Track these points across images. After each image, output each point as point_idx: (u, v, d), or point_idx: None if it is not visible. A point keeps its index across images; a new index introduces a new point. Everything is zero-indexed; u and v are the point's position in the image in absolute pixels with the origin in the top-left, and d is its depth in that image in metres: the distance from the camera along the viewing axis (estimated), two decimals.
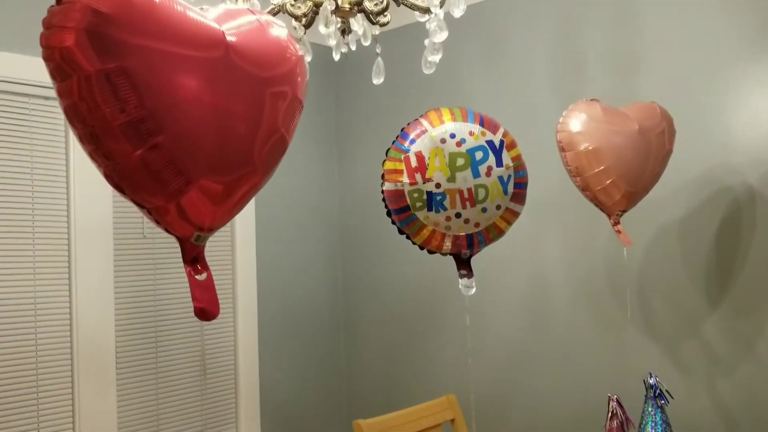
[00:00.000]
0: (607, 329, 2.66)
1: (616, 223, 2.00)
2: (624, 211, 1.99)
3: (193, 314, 1.17)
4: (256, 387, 3.28)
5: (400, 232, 1.70)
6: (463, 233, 1.63)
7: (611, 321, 2.66)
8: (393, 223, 1.69)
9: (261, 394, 3.30)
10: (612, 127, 1.99)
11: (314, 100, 3.51)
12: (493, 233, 1.65)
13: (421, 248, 1.72)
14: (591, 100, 2.11)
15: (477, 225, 1.62)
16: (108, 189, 2.68)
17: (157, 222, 1.15)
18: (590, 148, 1.94)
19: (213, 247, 3.09)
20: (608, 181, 1.93)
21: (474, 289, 1.67)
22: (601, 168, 1.92)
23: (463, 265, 1.69)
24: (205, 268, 1.20)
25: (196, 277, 1.16)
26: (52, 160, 2.56)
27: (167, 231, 1.17)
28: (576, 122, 2.00)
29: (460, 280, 1.69)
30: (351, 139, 3.53)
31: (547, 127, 2.64)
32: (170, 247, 2.92)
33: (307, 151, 3.52)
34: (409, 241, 1.70)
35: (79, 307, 2.62)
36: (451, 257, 1.74)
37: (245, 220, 3.21)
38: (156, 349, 2.90)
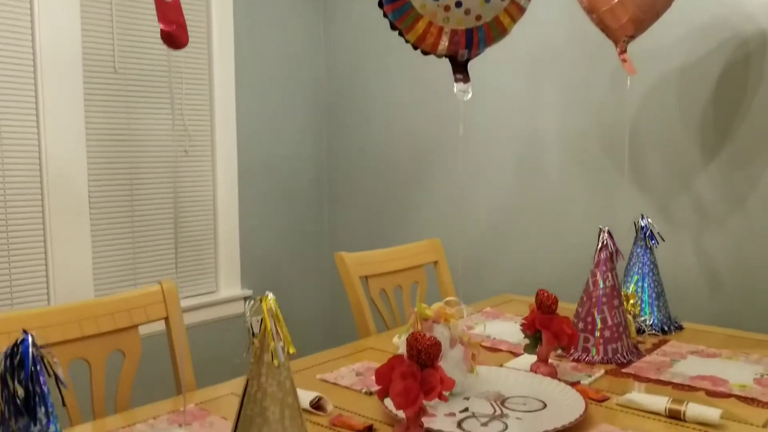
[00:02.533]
0: (599, 187, 2.55)
1: (623, 51, 1.85)
2: (631, 38, 1.84)
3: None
4: (235, 240, 3.16)
5: (392, 27, 1.53)
6: (462, 27, 1.47)
7: (603, 179, 2.55)
8: (385, 16, 1.52)
9: (241, 248, 3.19)
10: None
11: None
12: (495, 31, 1.48)
13: (415, 48, 1.56)
14: None
15: (478, 18, 1.45)
16: (77, 19, 2.47)
17: None
18: None
19: (190, 93, 2.91)
20: (615, 0, 1.78)
21: (470, 95, 1.52)
22: None
23: (460, 69, 1.54)
24: None
25: None
26: None
27: None
28: None
29: (455, 84, 1.54)
30: None
31: None
32: (144, 83, 2.73)
33: (292, 3, 3.31)
34: (402, 38, 1.54)
35: (49, 147, 2.45)
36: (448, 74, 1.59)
37: (223, 72, 3.02)
38: (131, 195, 2.75)
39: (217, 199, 3.05)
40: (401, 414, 1.20)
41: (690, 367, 1.54)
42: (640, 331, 1.82)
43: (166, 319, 1.50)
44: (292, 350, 0.92)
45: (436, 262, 2.20)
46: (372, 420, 1.26)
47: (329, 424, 1.25)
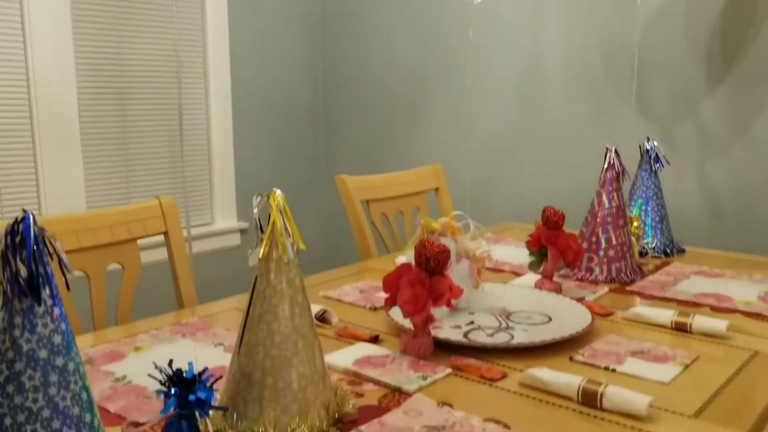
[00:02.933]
0: (603, 113, 2.51)
1: None
2: None
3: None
4: (230, 170, 3.11)
5: None
6: None
7: (607, 104, 2.50)
8: None
9: (236, 178, 3.14)
10: None
11: None
12: None
13: None
14: None
15: None
16: None
17: None
18: None
19: (181, 13, 2.82)
20: None
21: None
22: None
23: None
24: None
25: None
26: None
27: None
28: None
29: None
30: None
31: None
32: (134, 2, 2.63)
33: None
34: None
35: (36, 69, 2.37)
36: None
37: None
38: (123, 116, 2.69)
39: (210, 128, 2.99)
40: (408, 324, 1.18)
41: (694, 286, 1.54)
42: (642, 254, 1.81)
43: (166, 233, 1.47)
44: (302, 246, 0.90)
45: (437, 189, 2.17)
46: (378, 331, 1.25)
47: (335, 335, 1.24)
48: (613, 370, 1.07)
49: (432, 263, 1.10)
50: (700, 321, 1.24)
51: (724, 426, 0.88)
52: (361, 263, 1.79)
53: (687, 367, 1.08)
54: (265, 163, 3.21)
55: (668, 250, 1.83)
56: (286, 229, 0.88)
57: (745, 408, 0.94)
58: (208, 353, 1.13)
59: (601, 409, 0.93)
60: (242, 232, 3.21)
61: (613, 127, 2.46)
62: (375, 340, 1.21)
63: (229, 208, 3.13)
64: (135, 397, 0.97)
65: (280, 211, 0.88)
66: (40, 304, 0.65)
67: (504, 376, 1.05)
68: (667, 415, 0.92)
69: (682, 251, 1.87)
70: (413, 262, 1.14)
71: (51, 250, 0.67)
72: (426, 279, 1.11)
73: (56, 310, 0.67)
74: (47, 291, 0.66)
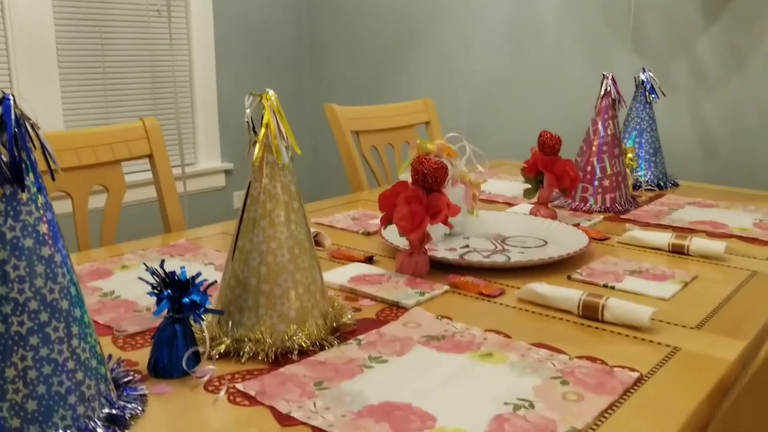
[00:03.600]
0: (597, 51, 2.46)
1: None
2: None
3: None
4: (214, 108, 3.04)
5: None
6: None
7: (601, 40, 2.45)
8: None
9: (220, 117, 3.08)
10: None
11: None
12: None
13: None
14: None
15: None
16: None
17: None
18: None
19: None
20: None
21: None
22: None
23: None
24: None
25: None
26: None
27: None
28: None
29: None
30: None
31: None
32: None
33: None
34: None
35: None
36: None
37: None
38: (102, 52, 2.60)
39: (193, 64, 2.90)
40: (403, 244, 1.16)
41: (688, 215, 1.52)
42: (636, 186, 1.79)
43: (150, 156, 1.42)
44: (298, 151, 0.86)
45: (428, 123, 2.12)
46: (372, 253, 1.22)
47: (329, 257, 1.21)
48: (612, 288, 1.05)
49: (429, 180, 1.07)
50: (698, 243, 1.23)
51: (728, 336, 0.87)
52: (352, 194, 1.76)
53: (686, 285, 1.07)
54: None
55: (661, 183, 1.82)
56: (280, 131, 0.84)
57: (747, 321, 0.93)
58: (198, 270, 1.10)
59: (602, 321, 0.92)
60: (227, 173, 3.16)
61: (609, 67, 2.42)
62: (369, 260, 1.18)
63: (213, 149, 3.07)
64: (124, 310, 0.94)
65: (274, 112, 0.83)
66: (23, 191, 0.61)
67: (502, 292, 1.03)
68: (670, 327, 0.90)
69: (675, 185, 1.85)
70: (410, 177, 1.11)
71: (33, 137, 0.63)
72: (423, 196, 1.07)
73: (41, 198, 0.63)
74: (31, 178, 0.62)
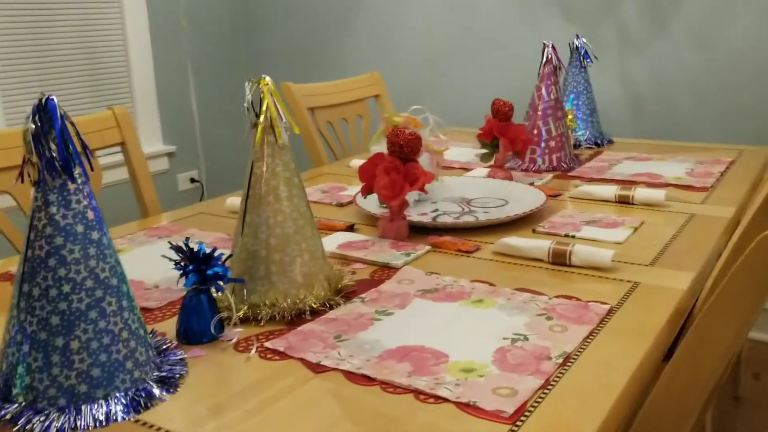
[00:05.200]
0: (531, 19, 2.59)
1: None
2: None
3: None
4: (152, 90, 3.03)
5: None
6: None
7: (534, 11, 2.58)
8: None
9: (159, 99, 3.07)
10: None
11: None
12: None
13: None
14: None
15: None
16: None
17: None
18: None
19: None
20: None
21: None
22: None
23: None
24: None
25: None
26: None
27: None
28: None
29: None
30: None
31: None
32: None
33: None
34: None
35: None
36: None
37: None
38: (35, 44, 2.56)
39: (129, 48, 2.88)
40: (379, 211, 1.25)
41: (627, 168, 1.67)
42: (576, 146, 1.94)
43: (123, 144, 1.46)
44: (296, 130, 0.94)
45: (377, 96, 2.21)
46: (352, 222, 1.31)
47: None
48: (573, 236, 1.18)
49: (405, 150, 1.17)
50: (641, 192, 1.37)
51: (678, 269, 1.01)
52: (313, 170, 1.84)
53: (636, 229, 1.21)
54: (186, 79, 3.13)
55: (599, 141, 1.97)
56: (279, 113, 0.91)
57: (693, 255, 1.07)
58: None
59: (570, 265, 1.04)
60: (170, 155, 3.16)
61: (538, 27, 2.55)
62: (351, 228, 1.28)
63: (155, 132, 3.07)
64: (135, 289, 1.01)
65: (273, 96, 0.91)
66: (73, 182, 0.68)
67: (478, 248, 1.15)
68: (627, 266, 1.04)
69: (611, 142, 2.01)
70: (385, 151, 1.20)
71: (72, 133, 0.69)
72: (401, 165, 1.17)
73: (86, 188, 0.70)
74: (78, 170, 0.68)
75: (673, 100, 2.37)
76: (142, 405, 0.69)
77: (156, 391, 0.71)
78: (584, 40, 1.98)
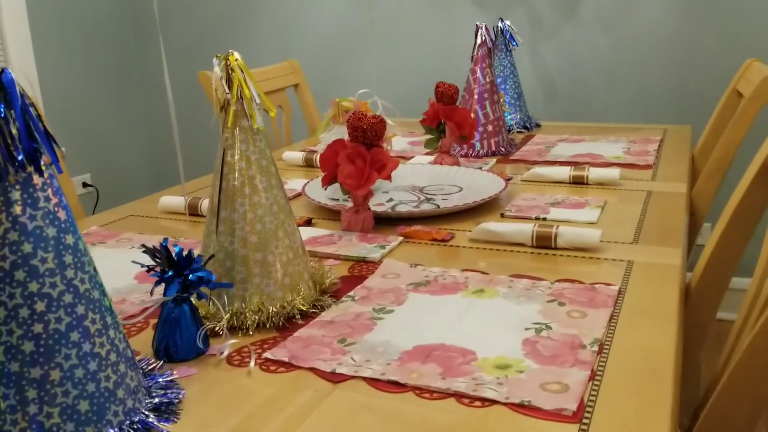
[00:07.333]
0: (441, 7, 2.57)
1: None
2: None
3: None
4: (36, 92, 2.77)
5: None
6: None
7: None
8: None
9: (44, 101, 2.81)
10: None
11: None
12: None
13: None
14: None
15: None
16: None
17: None
18: None
19: None
20: None
21: None
22: None
23: None
24: None
25: None
26: None
27: None
28: None
29: None
30: None
31: None
32: None
33: None
34: None
35: None
36: None
37: None
38: None
39: (7, 49, 2.60)
40: (333, 203, 1.17)
41: (564, 150, 1.68)
42: (507, 130, 1.92)
43: None
44: (272, 113, 0.84)
45: (296, 85, 2.11)
46: (308, 216, 1.22)
47: None
48: (544, 219, 1.15)
49: (370, 134, 1.09)
50: (595, 172, 1.37)
51: (664, 246, 1.00)
52: None
53: (602, 208, 1.20)
54: (73, 80, 2.88)
55: (527, 125, 1.97)
56: (252, 94, 0.81)
57: (669, 232, 1.07)
58: (139, 255, 1.03)
59: (555, 248, 1.01)
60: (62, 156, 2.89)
61: (447, 15, 2.53)
62: (309, 223, 1.18)
63: None
64: None
65: (244, 73, 0.81)
66: (40, 175, 0.55)
67: (453, 236, 1.09)
68: (611, 245, 1.01)
69: (538, 125, 2.02)
70: (344, 137, 1.12)
71: (36, 113, 0.56)
72: (365, 152, 1.09)
73: (54, 182, 0.57)
74: (46, 158, 0.56)
75: (583, 82, 2.43)
76: None
77: (154, 421, 0.60)
78: (508, 23, 1.98)
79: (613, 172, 1.36)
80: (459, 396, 0.63)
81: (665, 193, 1.27)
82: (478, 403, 0.62)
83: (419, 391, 0.64)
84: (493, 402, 0.62)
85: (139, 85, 3.12)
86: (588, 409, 0.60)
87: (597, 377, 0.65)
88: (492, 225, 1.05)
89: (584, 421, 0.58)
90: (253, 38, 2.84)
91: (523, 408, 0.60)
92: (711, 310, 0.97)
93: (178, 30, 2.96)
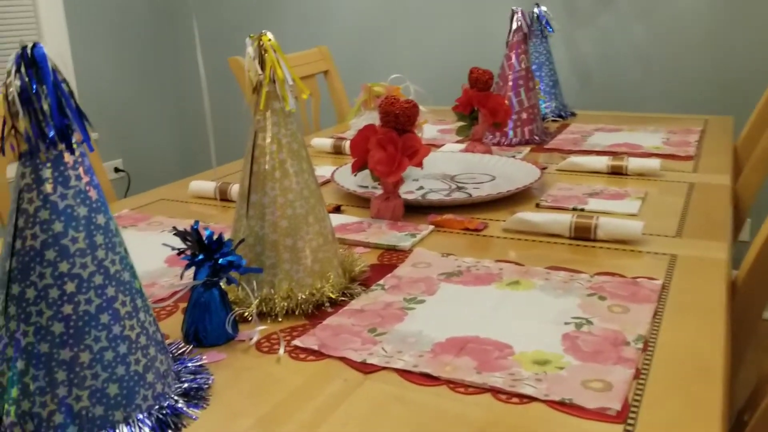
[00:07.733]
0: None
1: None
2: None
3: None
4: (71, 81, 2.80)
5: None
6: None
7: None
8: None
9: (77, 88, 2.83)
10: None
11: None
12: None
13: None
14: None
15: None
16: None
17: None
18: None
19: None
20: None
21: None
22: None
23: None
24: None
25: None
26: None
27: None
28: None
29: None
30: None
31: None
32: None
33: None
34: None
35: None
36: None
37: None
38: None
39: (43, 35, 2.62)
40: (362, 190, 1.15)
41: (602, 140, 1.64)
42: (542, 118, 1.89)
43: None
44: (305, 95, 0.82)
45: (326, 72, 2.09)
46: (337, 203, 1.21)
47: None
48: (582, 210, 1.12)
49: (402, 119, 1.07)
50: (635, 162, 1.33)
51: (708, 239, 0.97)
52: None
53: (643, 200, 1.16)
54: (107, 67, 2.90)
55: (563, 114, 1.93)
56: (285, 75, 0.79)
57: (714, 223, 1.03)
58: (170, 239, 1.03)
59: (594, 240, 0.98)
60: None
61: (483, 2, 2.49)
62: (338, 210, 1.17)
63: None
64: None
65: (277, 54, 0.79)
66: (72, 153, 0.54)
67: (486, 226, 1.07)
68: (653, 238, 0.98)
69: (573, 114, 1.98)
70: (375, 122, 1.10)
71: (68, 89, 0.55)
72: (396, 137, 1.07)
73: (86, 161, 0.56)
74: (77, 136, 0.55)
75: (621, 71, 2.38)
76: (171, 426, 0.57)
77: (183, 407, 0.59)
78: (544, 9, 1.93)
79: (654, 163, 1.32)
80: (495, 391, 0.61)
81: (708, 185, 1.24)
82: (515, 400, 0.60)
83: (453, 384, 0.62)
84: (532, 399, 0.60)
85: (170, 72, 3.13)
86: (633, 409, 0.57)
87: (642, 376, 0.62)
88: (528, 215, 1.03)
89: (629, 421, 0.56)
90: (283, 25, 2.83)
91: (564, 406, 0.58)
92: (758, 308, 0.93)
93: (209, 17, 2.96)
